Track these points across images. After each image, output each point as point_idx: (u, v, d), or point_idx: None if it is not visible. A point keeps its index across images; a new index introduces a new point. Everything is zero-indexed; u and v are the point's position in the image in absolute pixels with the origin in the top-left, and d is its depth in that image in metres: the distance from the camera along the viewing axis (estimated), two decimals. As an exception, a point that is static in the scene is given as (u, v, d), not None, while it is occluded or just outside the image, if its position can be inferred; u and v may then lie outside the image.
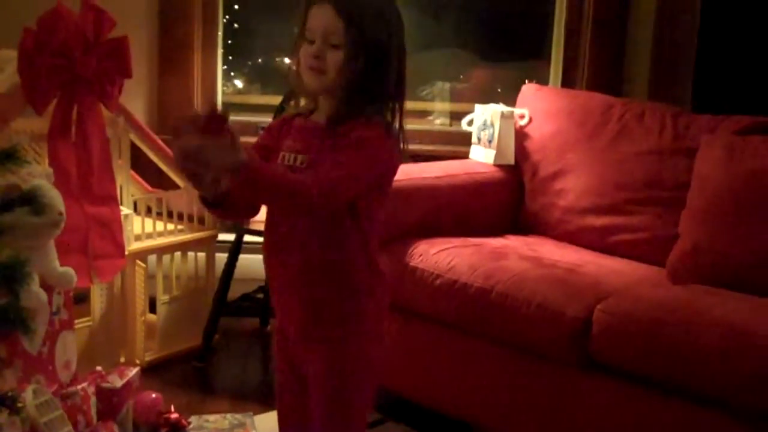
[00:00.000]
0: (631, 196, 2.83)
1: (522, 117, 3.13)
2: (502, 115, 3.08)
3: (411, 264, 2.68)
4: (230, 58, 4.11)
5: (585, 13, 3.65)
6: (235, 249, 3.18)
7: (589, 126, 2.98)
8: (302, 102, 1.82)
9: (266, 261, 1.80)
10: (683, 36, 3.53)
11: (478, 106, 3.21)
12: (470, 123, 3.23)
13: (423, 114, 4.13)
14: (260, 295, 3.47)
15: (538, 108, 3.14)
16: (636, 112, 2.95)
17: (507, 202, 3.10)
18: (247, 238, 3.18)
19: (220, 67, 3.93)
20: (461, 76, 4.32)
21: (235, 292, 3.31)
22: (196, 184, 1.57)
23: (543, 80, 3.83)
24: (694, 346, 2.15)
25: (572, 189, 2.95)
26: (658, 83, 3.56)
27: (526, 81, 3.54)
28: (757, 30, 3.31)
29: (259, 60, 4.32)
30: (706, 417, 2.14)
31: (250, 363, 3.33)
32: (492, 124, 3.11)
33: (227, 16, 4.02)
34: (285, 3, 4.02)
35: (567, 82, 3.72)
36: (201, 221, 3.26)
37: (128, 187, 3.07)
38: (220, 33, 3.90)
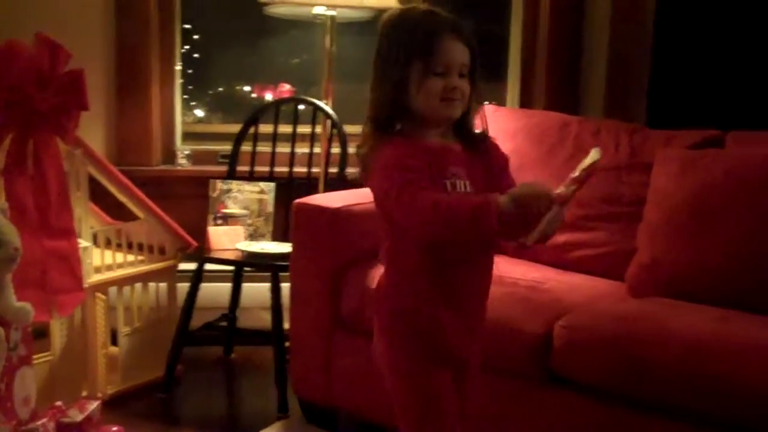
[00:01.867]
0: (589, 212, 2.85)
1: (480, 137, 3.14)
2: (460, 136, 3.09)
3: (372, 287, 2.65)
4: (191, 87, 4.12)
5: (540, 35, 3.70)
6: (197, 278, 3.16)
7: (547, 144, 3.01)
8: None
9: (448, 279, 1.84)
10: (637, 54, 3.58)
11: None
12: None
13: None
14: (223, 323, 3.45)
15: (497, 128, 3.14)
16: (592, 129, 2.98)
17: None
18: (208, 266, 3.16)
19: (179, 98, 3.94)
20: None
21: (197, 322, 3.29)
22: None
23: (502, 101, 3.87)
24: (654, 358, 2.16)
25: (531, 207, 2.96)
26: (613, 101, 3.60)
27: (485, 102, 3.56)
28: (707, 47, 3.37)
29: (220, 89, 4.33)
30: (668, 429, 2.15)
31: (215, 393, 3.30)
32: (450, 146, 3.11)
33: (187, 46, 4.03)
34: (244, 32, 4.04)
35: (525, 102, 3.76)
36: (161, 251, 3.24)
37: (87, 219, 3.04)
38: (177, 64, 3.90)
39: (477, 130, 1.90)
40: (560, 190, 1.68)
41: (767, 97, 3.35)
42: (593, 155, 1.70)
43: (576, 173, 1.69)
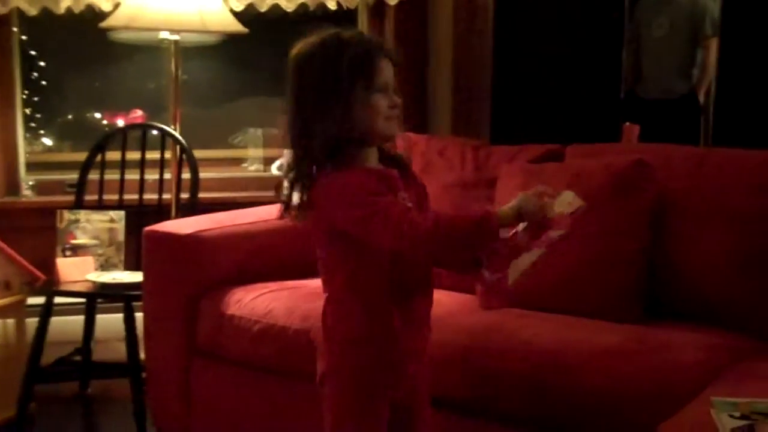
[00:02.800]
0: (439, 228, 2.91)
1: (331, 158, 3.17)
2: (313, 158, 3.11)
3: (228, 312, 2.67)
4: (38, 116, 4.00)
5: (386, 55, 3.76)
6: (46, 312, 3.07)
7: (395, 163, 3.06)
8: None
9: (408, 303, 1.84)
10: (479, 74, 3.70)
11: (286, 151, 3.22)
12: (280, 168, 3.24)
13: (237, 161, 4.13)
14: (77, 358, 3.35)
15: (346, 149, 3.19)
16: (438, 147, 3.05)
17: (322, 243, 3.13)
18: (58, 299, 3.08)
19: (20, 128, 3.81)
20: (273, 122, 4.35)
21: (50, 357, 3.19)
22: None
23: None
24: (505, 369, 2.21)
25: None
26: (459, 119, 3.70)
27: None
28: (546, 66, 3.54)
29: (70, 116, 4.22)
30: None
31: (71, 429, 3.20)
32: (302, 168, 3.13)
33: (35, 73, 3.91)
34: (94, 59, 3.95)
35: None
36: (7, 286, 3.13)
37: (-74, 256, 2.92)
38: (17, 92, 3.78)
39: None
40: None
41: (602, 111, 3.51)
42: (574, 201, 1.71)
43: (556, 213, 1.70)
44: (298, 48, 1.82)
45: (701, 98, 5.13)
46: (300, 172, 1.80)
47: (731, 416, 1.67)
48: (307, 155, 1.78)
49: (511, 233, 1.69)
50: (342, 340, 1.86)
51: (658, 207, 2.51)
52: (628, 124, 4.01)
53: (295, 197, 1.83)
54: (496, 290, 1.76)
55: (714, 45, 5.00)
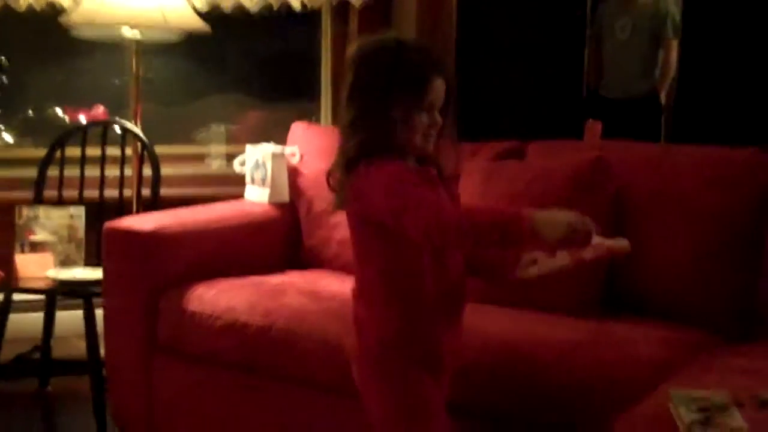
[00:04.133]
0: (401, 225, 2.91)
1: (293, 155, 3.18)
2: (274, 155, 3.12)
3: (189, 308, 2.66)
4: (-1, 111, 3.97)
5: (349, 54, 3.77)
6: (5, 309, 3.04)
7: (358, 160, 3.06)
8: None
9: (445, 301, 1.86)
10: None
11: (249, 147, 3.23)
12: (242, 164, 3.25)
13: (200, 158, 4.12)
14: (37, 355, 3.32)
15: (309, 146, 3.20)
16: (401, 144, 3.05)
17: (285, 239, 3.13)
18: (17, 296, 3.04)
19: (-22, 123, 3.77)
20: (237, 119, 4.34)
21: (9, 354, 3.16)
22: None
23: (317, 120, 3.91)
24: (464, 363, 2.23)
25: (345, 221, 3.00)
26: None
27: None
28: (508, 65, 3.56)
29: (31, 113, 4.18)
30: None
31: (31, 427, 3.17)
32: (264, 164, 3.14)
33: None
34: (55, 55, 3.92)
35: (337, 121, 3.80)
36: (-35, 283, 3.10)
37: None
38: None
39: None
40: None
41: (564, 109, 3.54)
42: (623, 245, 1.81)
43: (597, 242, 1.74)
44: (359, 45, 1.83)
45: (662, 98, 5.19)
46: (341, 162, 1.82)
47: (689, 409, 1.69)
48: (347, 148, 1.80)
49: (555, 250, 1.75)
50: (376, 340, 1.85)
51: (618, 204, 2.53)
52: (590, 120, 4.04)
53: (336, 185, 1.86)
54: (502, 268, 1.83)
55: (675, 46, 5.06)
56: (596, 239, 1.73)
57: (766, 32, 4.53)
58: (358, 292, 1.91)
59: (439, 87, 1.79)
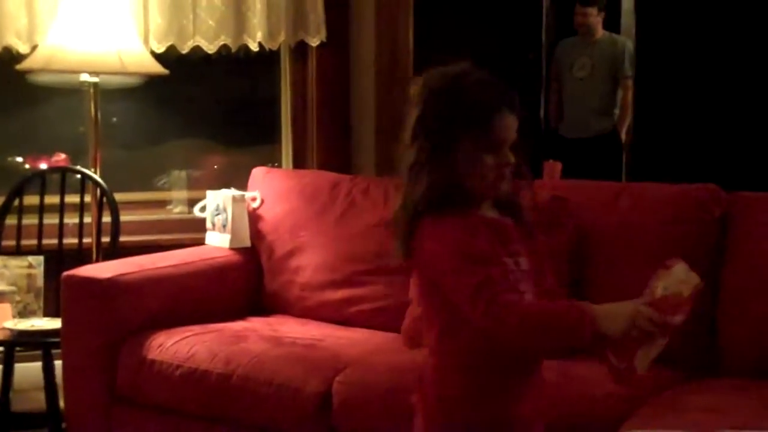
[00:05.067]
0: (363, 267, 2.91)
1: (254, 199, 3.17)
2: (234, 199, 3.11)
3: (149, 357, 2.63)
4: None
5: (309, 96, 3.77)
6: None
7: (319, 203, 3.06)
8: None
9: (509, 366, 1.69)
10: (402, 115, 3.72)
11: (209, 192, 3.22)
12: (203, 209, 3.23)
13: (161, 204, 4.09)
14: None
15: (269, 190, 3.19)
16: (362, 186, 3.06)
17: (246, 284, 3.11)
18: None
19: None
20: (198, 164, 4.32)
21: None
22: None
23: (278, 163, 3.91)
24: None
25: (308, 265, 3.01)
26: (383, 159, 3.71)
27: (266, 165, 3.58)
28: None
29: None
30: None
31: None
32: (225, 209, 3.12)
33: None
34: (14, 102, 3.89)
35: (299, 163, 3.81)
36: None
37: None
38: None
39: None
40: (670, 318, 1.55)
41: (522, 150, 3.55)
42: (689, 277, 1.58)
43: (669, 292, 1.56)
44: (423, 77, 1.69)
45: (623, 136, 5.25)
46: (406, 210, 1.66)
47: (648, 448, 1.69)
48: (413, 196, 1.65)
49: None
50: (436, 397, 1.72)
51: (577, 241, 2.55)
52: (550, 161, 4.08)
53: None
54: (625, 378, 1.61)
55: (632, 84, 5.14)
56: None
57: (720, 69, 4.62)
58: (429, 350, 1.75)
59: (507, 123, 1.65)
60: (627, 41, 5.34)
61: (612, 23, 5.40)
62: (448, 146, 1.62)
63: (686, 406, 2.00)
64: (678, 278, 1.58)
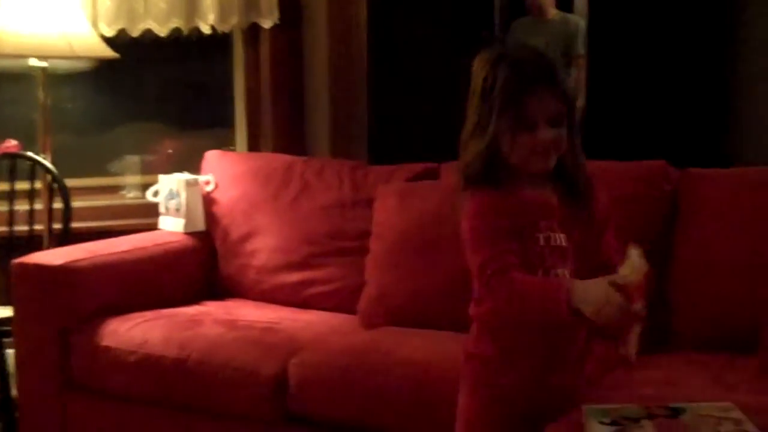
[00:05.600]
0: (318, 249, 2.91)
1: (207, 183, 3.15)
2: (187, 183, 3.09)
3: (103, 344, 2.61)
4: None
5: (263, 79, 3.75)
6: None
7: (273, 186, 3.05)
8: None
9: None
10: (356, 95, 3.72)
11: (162, 177, 3.19)
12: (155, 194, 3.20)
13: (115, 189, 4.04)
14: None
15: (223, 173, 3.17)
16: (316, 168, 3.05)
17: (201, 268, 3.09)
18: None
19: None
20: (152, 149, 4.28)
21: None
22: None
23: (233, 147, 3.88)
24: (383, 386, 2.24)
25: (263, 249, 2.99)
26: (337, 141, 3.71)
27: (221, 149, 3.55)
28: (421, 86, 3.59)
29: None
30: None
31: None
32: (178, 193, 3.10)
33: None
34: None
35: (254, 147, 3.79)
36: None
37: None
38: None
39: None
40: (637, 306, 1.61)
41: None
42: (640, 264, 1.63)
43: (627, 280, 1.61)
44: (480, 54, 1.75)
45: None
46: (458, 182, 1.77)
47: (602, 423, 1.71)
48: (461, 165, 1.75)
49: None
50: (467, 356, 1.84)
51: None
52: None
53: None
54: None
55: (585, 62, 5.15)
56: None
57: (672, 47, 4.66)
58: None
59: (540, 101, 1.68)
60: (580, 20, 5.34)
61: (566, 2, 5.41)
62: (487, 123, 1.69)
63: (640, 381, 2.02)
64: (633, 266, 1.63)
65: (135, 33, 3.53)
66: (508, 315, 1.72)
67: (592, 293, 1.60)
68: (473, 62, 1.75)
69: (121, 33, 3.52)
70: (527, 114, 1.68)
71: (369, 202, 2.85)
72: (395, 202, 2.74)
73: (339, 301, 2.86)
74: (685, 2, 5.13)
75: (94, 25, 3.42)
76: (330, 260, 2.89)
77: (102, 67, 3.57)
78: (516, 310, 1.68)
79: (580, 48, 5.17)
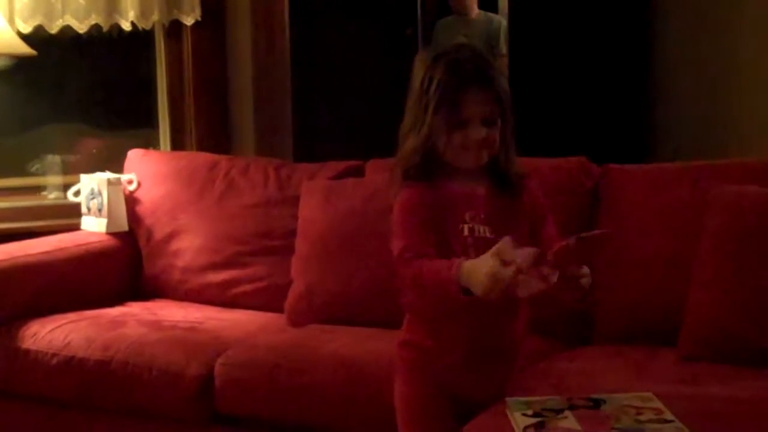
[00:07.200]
0: (244, 248, 2.89)
1: (130, 182, 3.11)
2: (109, 183, 3.04)
3: (23, 347, 2.57)
4: None
5: (186, 77, 3.70)
6: None
7: (197, 185, 3.02)
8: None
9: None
10: (280, 93, 3.71)
11: (83, 176, 3.15)
12: (77, 194, 3.15)
13: (35, 190, 3.96)
14: None
15: (146, 172, 3.13)
16: (241, 167, 3.03)
17: (125, 269, 3.05)
18: None
19: None
20: (74, 149, 4.21)
21: None
22: None
23: (156, 147, 3.83)
24: (311, 384, 2.24)
25: (188, 248, 2.96)
26: (262, 139, 3.69)
27: (144, 148, 3.51)
28: (345, 84, 3.60)
29: None
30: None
31: None
32: (100, 193, 3.06)
33: None
34: None
35: (178, 146, 3.74)
36: None
37: None
38: None
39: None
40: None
41: (398, 126, 3.59)
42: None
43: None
44: (420, 54, 1.86)
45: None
46: (391, 178, 1.87)
47: (524, 414, 1.73)
48: (397, 159, 1.85)
49: None
50: (402, 341, 1.92)
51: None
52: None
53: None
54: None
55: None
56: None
57: (592, 46, 4.73)
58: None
59: (474, 100, 1.77)
60: (502, 19, 5.40)
61: (490, 2, 5.46)
62: (423, 120, 1.78)
63: (561, 373, 2.06)
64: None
65: (53, 29, 3.45)
66: (414, 299, 1.83)
67: (478, 270, 1.63)
68: (413, 60, 1.84)
69: (40, 30, 3.45)
70: (461, 113, 1.76)
71: (295, 200, 2.85)
72: (320, 199, 2.73)
73: (266, 300, 2.85)
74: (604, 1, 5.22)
75: (10, 21, 3.35)
76: (256, 259, 2.88)
77: (21, 64, 3.49)
78: (418, 293, 1.78)
79: (502, 47, 5.24)
